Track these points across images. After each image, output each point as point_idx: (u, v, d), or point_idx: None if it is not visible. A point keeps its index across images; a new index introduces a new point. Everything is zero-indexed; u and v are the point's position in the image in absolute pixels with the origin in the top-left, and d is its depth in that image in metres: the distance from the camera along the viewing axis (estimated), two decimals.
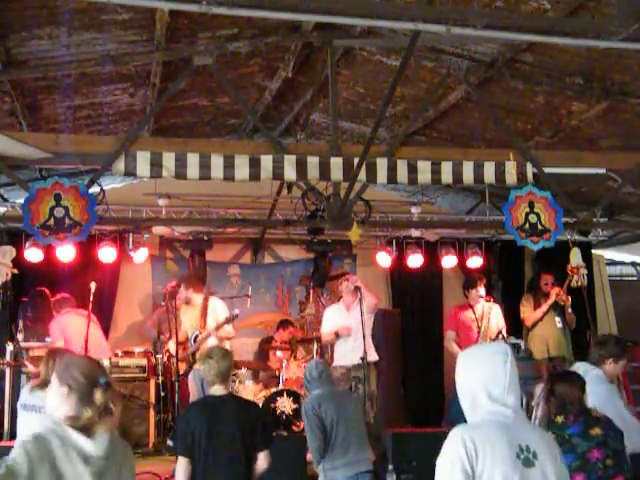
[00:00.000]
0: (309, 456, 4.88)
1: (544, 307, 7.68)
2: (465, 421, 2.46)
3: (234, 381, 7.15)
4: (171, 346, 7.16)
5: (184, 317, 7.25)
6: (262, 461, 3.86)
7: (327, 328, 7.10)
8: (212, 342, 7.01)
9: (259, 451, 3.86)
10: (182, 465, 3.80)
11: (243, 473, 3.81)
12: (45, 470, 2.24)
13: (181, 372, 7.09)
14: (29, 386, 4.42)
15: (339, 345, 6.94)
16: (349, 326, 6.76)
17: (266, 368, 7.82)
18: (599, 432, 3.30)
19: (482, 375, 2.42)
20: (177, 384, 6.76)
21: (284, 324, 8.23)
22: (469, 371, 2.46)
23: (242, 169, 5.15)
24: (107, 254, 7.85)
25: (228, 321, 6.91)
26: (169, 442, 4.69)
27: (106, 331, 7.84)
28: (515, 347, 8.61)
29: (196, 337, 7.07)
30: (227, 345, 7.18)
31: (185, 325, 7.21)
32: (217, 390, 3.96)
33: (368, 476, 4.59)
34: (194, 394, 6.85)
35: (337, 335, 6.86)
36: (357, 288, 6.75)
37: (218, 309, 7.18)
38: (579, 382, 3.53)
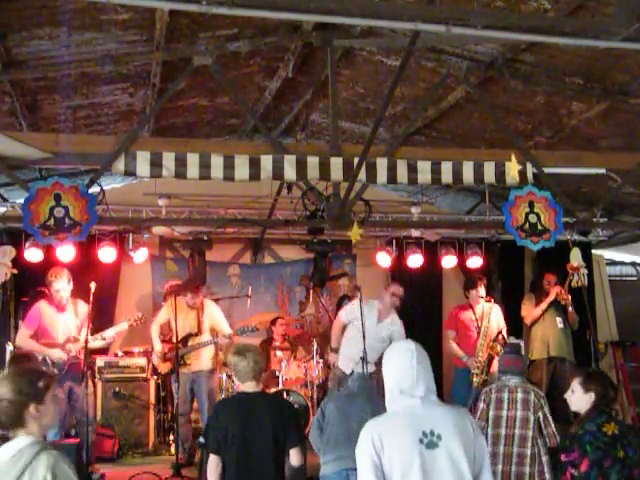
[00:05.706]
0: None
1: (543, 305, 7.75)
2: None
3: (234, 381, 7.14)
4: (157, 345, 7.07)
5: (182, 318, 7.05)
6: (294, 457, 3.88)
7: (338, 327, 6.86)
8: (209, 348, 7.05)
9: (290, 448, 3.88)
10: (213, 462, 3.82)
11: (274, 470, 3.81)
12: None
13: (163, 372, 7.12)
14: None
15: (349, 349, 6.67)
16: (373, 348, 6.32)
17: (266, 368, 7.83)
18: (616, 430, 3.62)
19: (393, 372, 2.84)
20: (177, 384, 6.74)
21: (273, 321, 8.34)
22: (385, 370, 2.87)
23: (242, 169, 5.14)
24: (107, 254, 7.83)
25: (244, 332, 6.96)
26: (200, 439, 4.69)
27: None
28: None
29: (186, 339, 7.03)
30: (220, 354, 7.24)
31: (180, 326, 6.95)
32: (250, 387, 3.96)
33: (356, 473, 4.55)
34: (182, 398, 6.79)
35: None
36: (357, 287, 6.78)
37: (216, 312, 7.17)
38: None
